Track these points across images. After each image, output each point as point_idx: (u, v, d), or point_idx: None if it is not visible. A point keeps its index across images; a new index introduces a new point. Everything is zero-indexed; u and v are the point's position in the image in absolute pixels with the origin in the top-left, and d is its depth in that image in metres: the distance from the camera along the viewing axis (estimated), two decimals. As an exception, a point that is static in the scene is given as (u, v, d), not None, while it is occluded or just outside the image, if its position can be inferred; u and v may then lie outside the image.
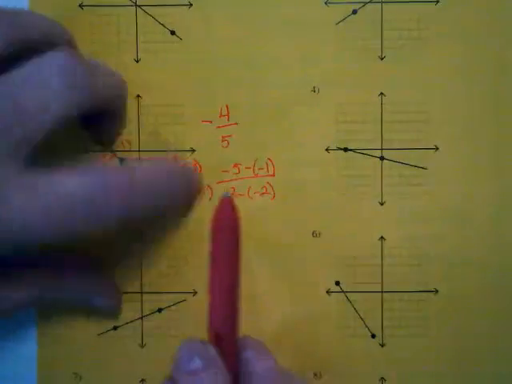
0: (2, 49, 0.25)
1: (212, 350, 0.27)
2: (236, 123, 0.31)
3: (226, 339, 0.28)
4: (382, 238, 0.31)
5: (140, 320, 0.31)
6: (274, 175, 0.31)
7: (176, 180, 0.27)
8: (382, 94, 0.31)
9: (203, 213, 0.31)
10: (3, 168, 0.24)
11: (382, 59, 0.31)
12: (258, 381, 0.27)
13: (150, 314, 0.31)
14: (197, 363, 0.26)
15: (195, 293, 0.31)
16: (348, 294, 0.31)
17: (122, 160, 0.31)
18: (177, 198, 0.28)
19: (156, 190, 0.26)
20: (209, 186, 0.31)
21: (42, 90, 0.25)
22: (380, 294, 0.31)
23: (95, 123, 0.30)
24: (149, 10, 0.31)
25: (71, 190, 0.24)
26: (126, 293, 0.31)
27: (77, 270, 0.28)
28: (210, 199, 0.31)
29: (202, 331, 0.31)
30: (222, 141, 0.31)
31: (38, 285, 0.28)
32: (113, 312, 0.30)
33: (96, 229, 0.25)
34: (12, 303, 0.27)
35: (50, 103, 0.25)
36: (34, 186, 0.24)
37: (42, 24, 0.27)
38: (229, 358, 0.27)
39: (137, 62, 0.31)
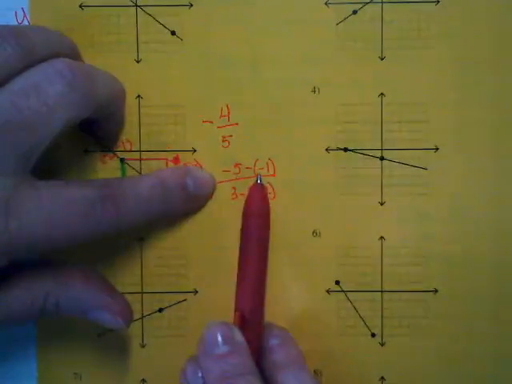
0: (15, 69, 0.26)
1: (238, 335, 0.27)
2: (236, 123, 0.31)
3: (251, 322, 0.28)
4: (381, 238, 0.31)
5: (140, 320, 0.31)
6: (274, 175, 0.31)
7: (171, 192, 0.29)
8: (382, 94, 0.31)
9: (204, 212, 0.31)
10: (14, 180, 0.25)
11: (382, 59, 0.31)
12: (282, 369, 0.27)
13: (150, 314, 0.31)
14: (223, 347, 0.26)
15: (196, 292, 0.31)
16: (348, 294, 0.31)
17: (122, 160, 0.31)
18: (174, 208, 0.30)
19: (149, 203, 0.28)
20: (209, 186, 0.31)
21: (44, 98, 0.25)
22: (380, 293, 0.31)
23: (94, 124, 0.30)
24: (149, 10, 0.31)
25: (72, 203, 0.26)
26: (126, 293, 0.31)
27: (81, 281, 0.28)
28: (211, 199, 0.31)
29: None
30: (223, 141, 0.31)
31: (42, 292, 0.28)
32: (117, 329, 0.30)
33: (92, 237, 0.27)
34: (15, 310, 0.27)
35: (53, 112, 0.25)
36: (42, 197, 0.26)
37: (49, 40, 0.27)
38: (253, 341, 0.28)
39: (137, 62, 0.31)
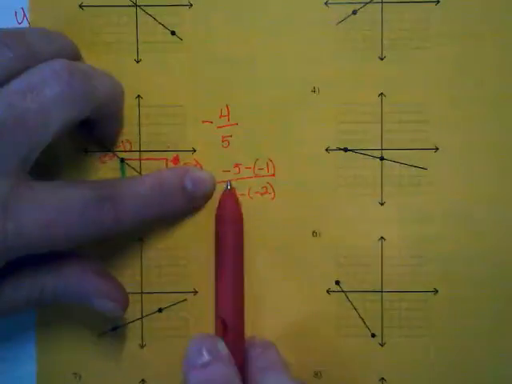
0: (16, 71, 0.26)
1: (222, 345, 0.27)
2: (236, 123, 0.31)
3: (232, 328, 0.29)
4: (381, 238, 0.31)
5: (140, 320, 0.31)
6: (274, 175, 0.31)
7: (170, 192, 0.29)
8: (382, 94, 0.31)
9: (203, 212, 0.31)
10: (11, 181, 0.25)
11: (382, 59, 0.31)
12: (263, 372, 0.27)
13: (150, 314, 0.31)
14: (206, 357, 0.26)
15: (196, 292, 0.31)
16: (348, 294, 0.31)
17: (122, 160, 0.31)
18: (174, 208, 0.30)
19: (148, 203, 0.29)
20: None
21: (42, 98, 0.25)
22: (380, 293, 0.31)
23: (94, 124, 0.30)
24: (149, 9, 0.31)
25: (71, 203, 0.26)
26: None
27: (78, 269, 0.28)
28: (211, 199, 0.31)
29: (202, 331, 0.31)
30: (223, 141, 0.31)
31: (39, 283, 0.28)
32: (115, 316, 0.30)
33: (91, 238, 0.27)
34: (11, 302, 0.27)
35: (50, 113, 0.25)
36: (39, 198, 0.26)
37: (50, 42, 0.27)
38: (235, 349, 0.28)
39: (137, 62, 0.31)
